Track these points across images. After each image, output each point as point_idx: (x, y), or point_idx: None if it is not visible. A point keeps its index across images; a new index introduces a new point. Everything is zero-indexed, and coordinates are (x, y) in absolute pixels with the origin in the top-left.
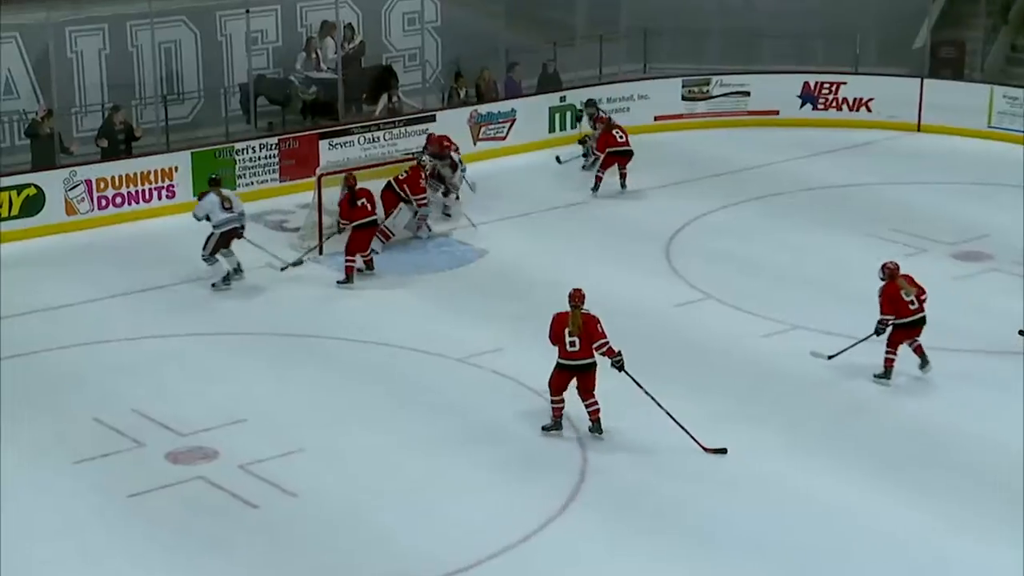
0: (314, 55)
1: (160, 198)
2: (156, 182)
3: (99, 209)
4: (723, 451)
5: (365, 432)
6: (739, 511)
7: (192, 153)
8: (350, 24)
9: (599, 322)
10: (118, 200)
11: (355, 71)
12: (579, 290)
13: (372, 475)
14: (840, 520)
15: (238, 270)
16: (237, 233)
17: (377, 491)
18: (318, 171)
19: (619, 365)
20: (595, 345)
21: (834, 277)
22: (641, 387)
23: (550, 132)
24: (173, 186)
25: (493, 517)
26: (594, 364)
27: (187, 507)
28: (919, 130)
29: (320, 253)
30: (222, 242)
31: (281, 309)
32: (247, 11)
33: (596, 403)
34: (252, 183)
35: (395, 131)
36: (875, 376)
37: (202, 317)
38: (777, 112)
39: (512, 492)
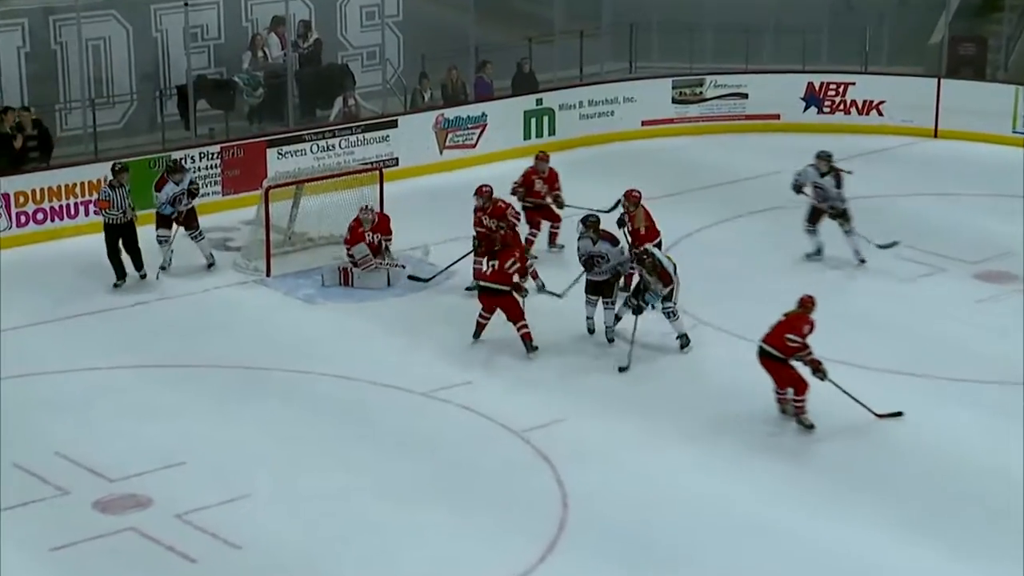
0: (261, 53)
1: (87, 214)
2: (82, 195)
3: (18, 227)
4: (899, 413)
5: (321, 475)
6: (740, 561)
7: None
8: (305, 21)
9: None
10: (39, 216)
11: (309, 72)
12: (484, 186)
13: (329, 523)
14: (847, 564)
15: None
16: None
17: (334, 540)
18: (265, 183)
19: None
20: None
21: (842, 301)
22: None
23: (525, 139)
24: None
25: (465, 568)
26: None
27: (117, 562)
28: (936, 136)
29: (268, 275)
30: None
31: (226, 338)
32: (186, 4)
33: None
34: None
35: (352, 138)
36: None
37: (136, 347)
38: (778, 116)
39: (486, 540)
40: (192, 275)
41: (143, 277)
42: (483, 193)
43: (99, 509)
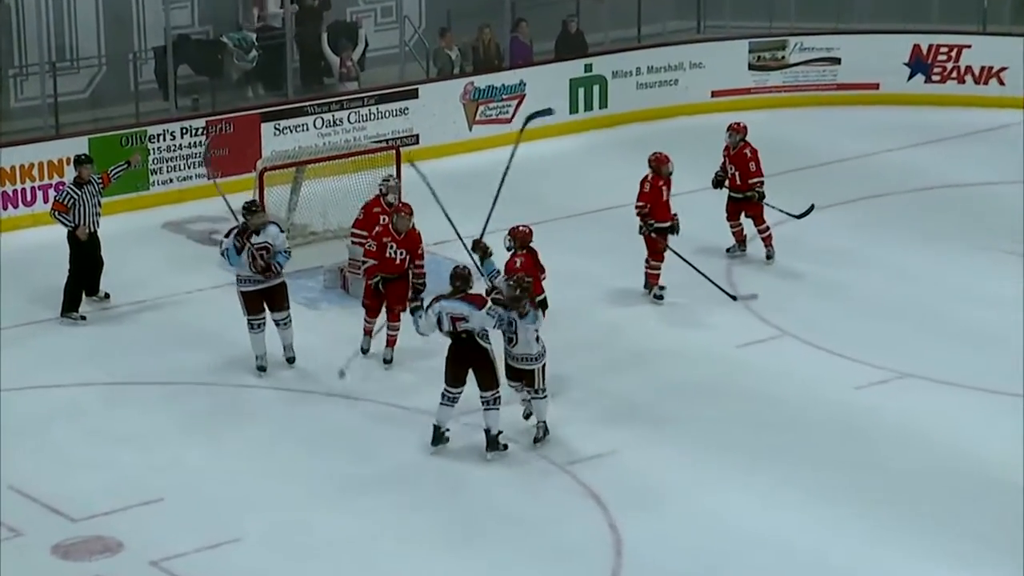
0: (255, 9)
1: (46, 200)
2: (40, 178)
3: None
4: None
5: (324, 516)
6: None
7: (90, 140)
8: None
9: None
10: None
11: (311, 31)
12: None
13: (333, 573)
14: None
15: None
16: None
17: None
18: (259, 165)
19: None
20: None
21: (945, 306)
22: None
23: (571, 112)
24: (64, 184)
25: None
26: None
27: None
28: None
29: None
30: None
31: (211, 350)
32: None
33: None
34: (171, 179)
35: (363, 111)
36: None
37: (104, 360)
38: (877, 86)
39: None
40: (169, 274)
41: (105, 297)
42: (519, 235)
43: (59, 555)
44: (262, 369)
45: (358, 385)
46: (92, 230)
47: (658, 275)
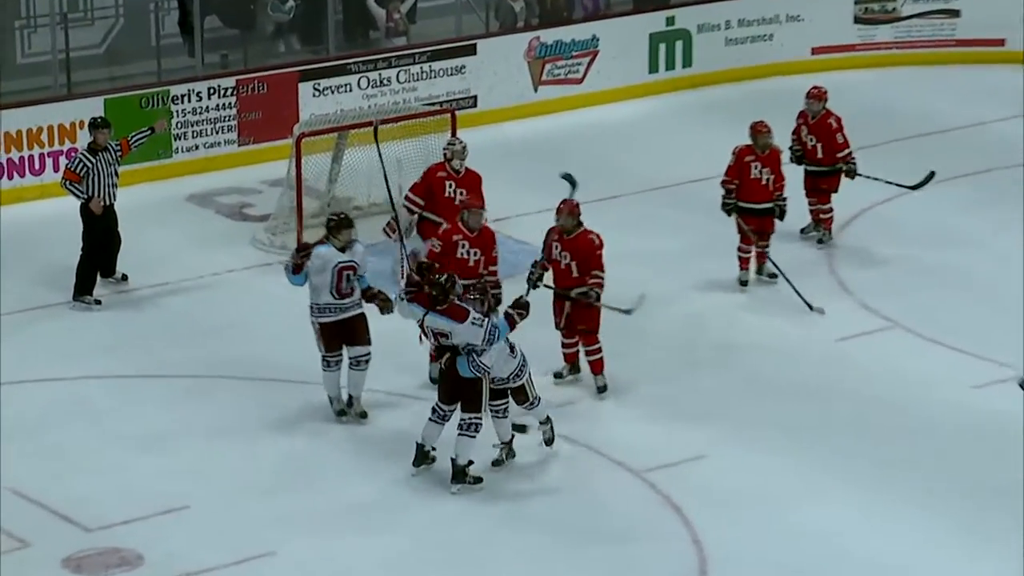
0: None
1: (56, 169)
2: (50, 144)
3: None
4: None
5: (368, 530)
6: None
7: (106, 100)
8: None
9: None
10: None
11: None
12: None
13: None
14: None
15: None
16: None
17: None
18: (296, 130)
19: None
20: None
21: None
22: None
23: (651, 72)
24: (76, 150)
25: None
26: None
27: None
28: None
29: None
30: None
31: (242, 339)
32: None
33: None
34: (197, 146)
35: (415, 69)
36: None
37: (121, 350)
38: (1002, 42)
39: None
40: (195, 254)
41: (123, 279)
42: (573, 211)
43: (71, 568)
44: (342, 413)
45: (409, 381)
46: (108, 203)
47: (748, 259)
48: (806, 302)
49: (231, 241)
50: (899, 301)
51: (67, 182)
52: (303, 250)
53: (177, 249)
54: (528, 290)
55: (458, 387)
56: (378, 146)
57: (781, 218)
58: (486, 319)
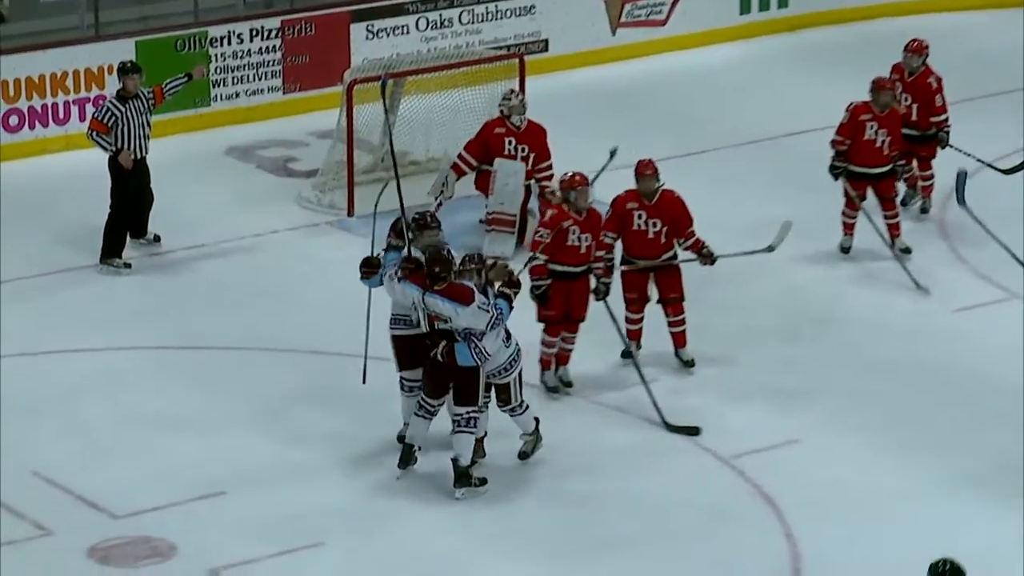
0: None
1: (82, 118)
2: (75, 91)
3: None
4: (695, 430)
5: (427, 520)
6: None
7: (137, 43)
8: None
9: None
10: (12, 121)
11: None
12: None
13: None
14: None
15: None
16: None
17: None
18: (347, 76)
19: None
20: None
21: None
22: None
23: (741, 13)
24: (105, 98)
25: None
26: None
27: None
28: None
29: (350, 214)
30: None
31: (286, 308)
32: None
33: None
34: (237, 94)
35: (479, 10)
36: None
37: (153, 320)
38: None
39: None
40: (235, 212)
41: (155, 241)
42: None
43: (98, 559)
44: (405, 464)
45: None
46: (139, 156)
47: (853, 225)
48: (913, 279)
49: (274, 199)
50: (1016, 270)
51: (94, 133)
52: (412, 262)
53: (215, 208)
54: (600, 287)
55: (452, 378)
56: (385, 103)
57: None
58: (494, 302)
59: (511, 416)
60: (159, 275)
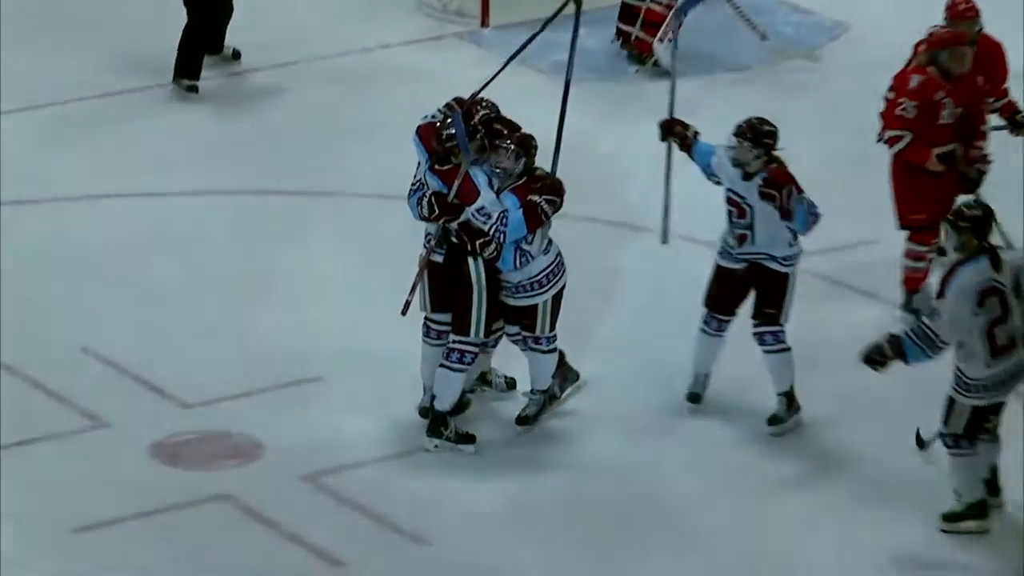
0: None
1: None
2: None
3: None
4: None
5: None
6: None
7: None
8: None
9: None
10: None
11: None
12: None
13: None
14: None
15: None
16: None
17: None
18: None
19: None
20: None
21: None
22: None
23: None
24: None
25: None
26: None
27: (192, 561)
28: None
29: (484, 24)
30: None
31: (407, 146)
32: None
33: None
34: None
35: None
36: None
37: (232, 156)
38: None
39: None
40: (335, 20)
41: (234, 57)
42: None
43: (164, 458)
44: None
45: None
46: None
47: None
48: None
49: (387, 4)
50: None
51: None
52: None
53: (308, 16)
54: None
55: (453, 291)
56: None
57: None
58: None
59: (530, 353)
60: (239, 102)
